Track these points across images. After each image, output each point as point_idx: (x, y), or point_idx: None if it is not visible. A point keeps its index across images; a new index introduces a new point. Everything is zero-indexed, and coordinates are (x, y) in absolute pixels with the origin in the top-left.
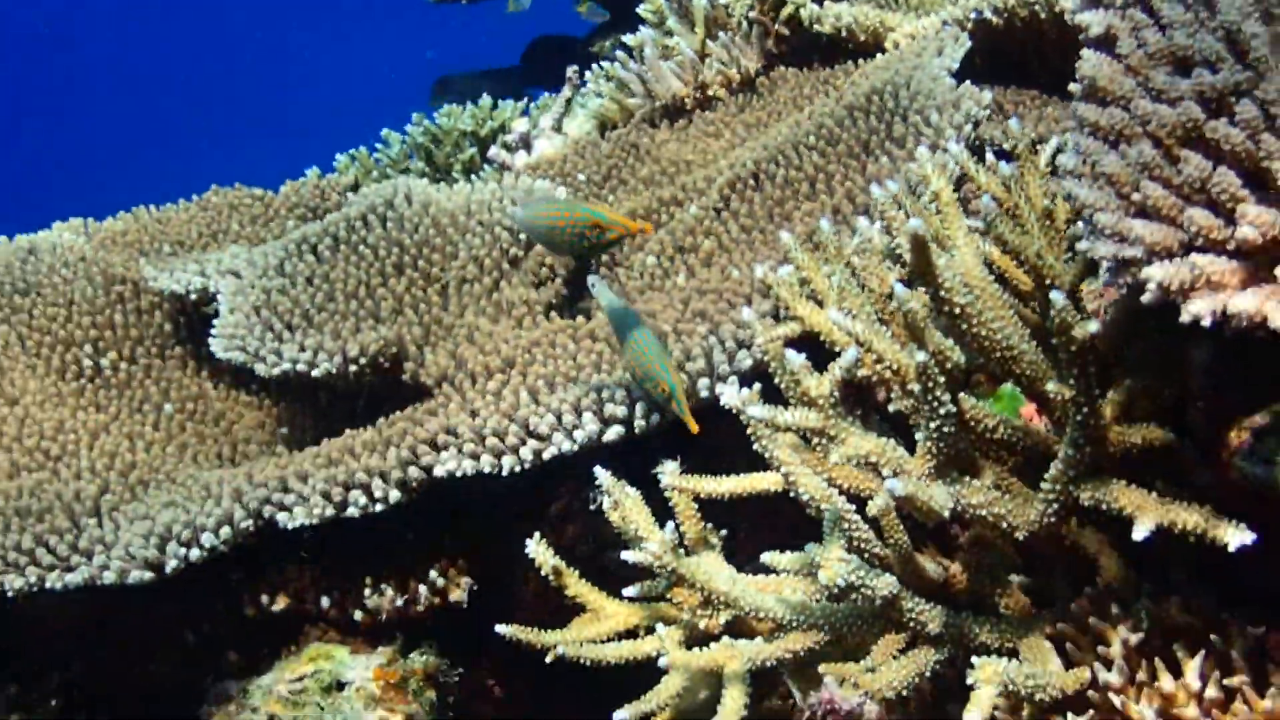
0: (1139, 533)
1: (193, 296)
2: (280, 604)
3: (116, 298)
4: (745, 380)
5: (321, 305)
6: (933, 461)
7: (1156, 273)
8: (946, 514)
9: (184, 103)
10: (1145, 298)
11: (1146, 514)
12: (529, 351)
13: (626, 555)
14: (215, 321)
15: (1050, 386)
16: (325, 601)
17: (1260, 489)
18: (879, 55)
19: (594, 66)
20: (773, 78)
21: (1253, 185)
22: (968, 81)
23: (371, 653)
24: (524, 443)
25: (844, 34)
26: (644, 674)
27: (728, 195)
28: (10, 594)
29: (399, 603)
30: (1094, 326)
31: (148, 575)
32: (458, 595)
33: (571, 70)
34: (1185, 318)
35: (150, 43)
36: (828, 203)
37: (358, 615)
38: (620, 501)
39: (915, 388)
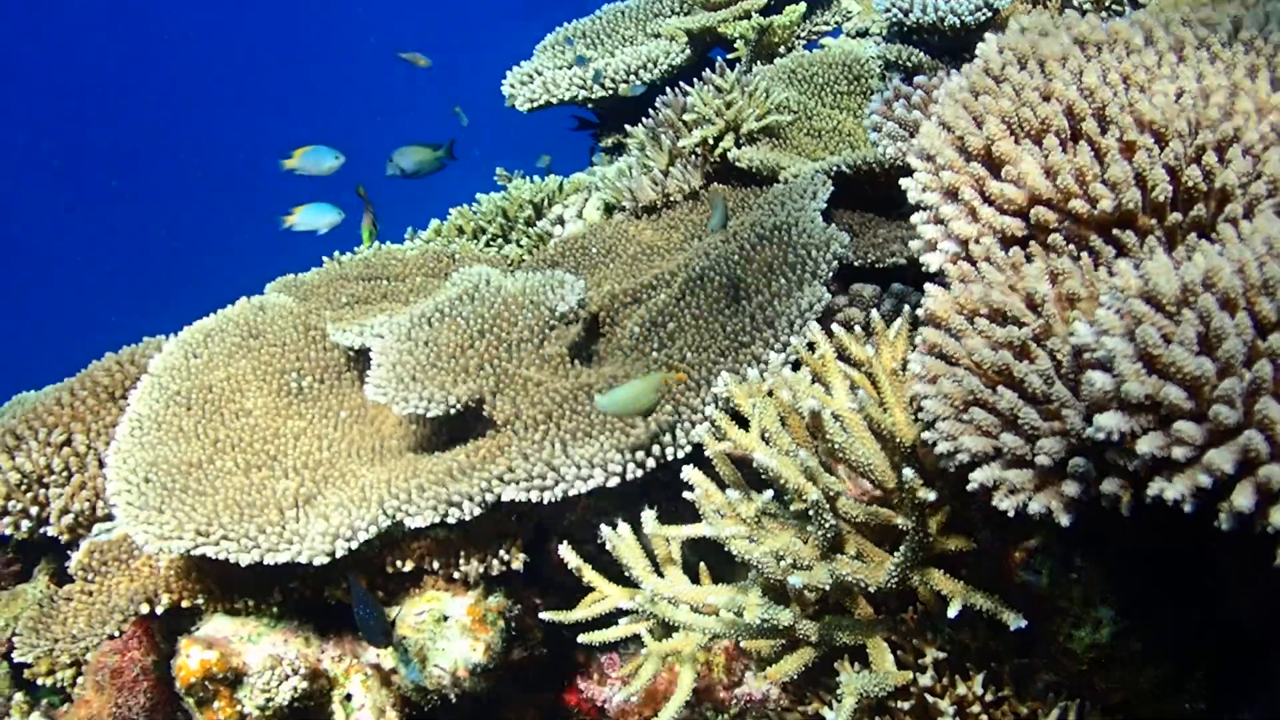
0: (951, 611)
1: (355, 348)
2: (408, 566)
3: (312, 339)
4: (697, 450)
5: (433, 362)
6: (819, 551)
7: (979, 475)
8: (826, 588)
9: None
10: (969, 487)
11: (957, 597)
12: (560, 407)
13: (623, 604)
14: (369, 372)
15: (899, 521)
16: (435, 564)
17: (1032, 590)
18: (775, 184)
19: (601, 170)
20: (711, 190)
21: (1047, 416)
22: (833, 225)
23: (465, 596)
24: (556, 484)
25: (753, 168)
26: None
27: (684, 291)
28: (243, 565)
29: (480, 569)
30: (932, 496)
31: (325, 559)
32: (517, 564)
33: (590, 178)
34: (995, 504)
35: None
36: (747, 308)
37: (455, 575)
38: (616, 546)
39: (811, 511)
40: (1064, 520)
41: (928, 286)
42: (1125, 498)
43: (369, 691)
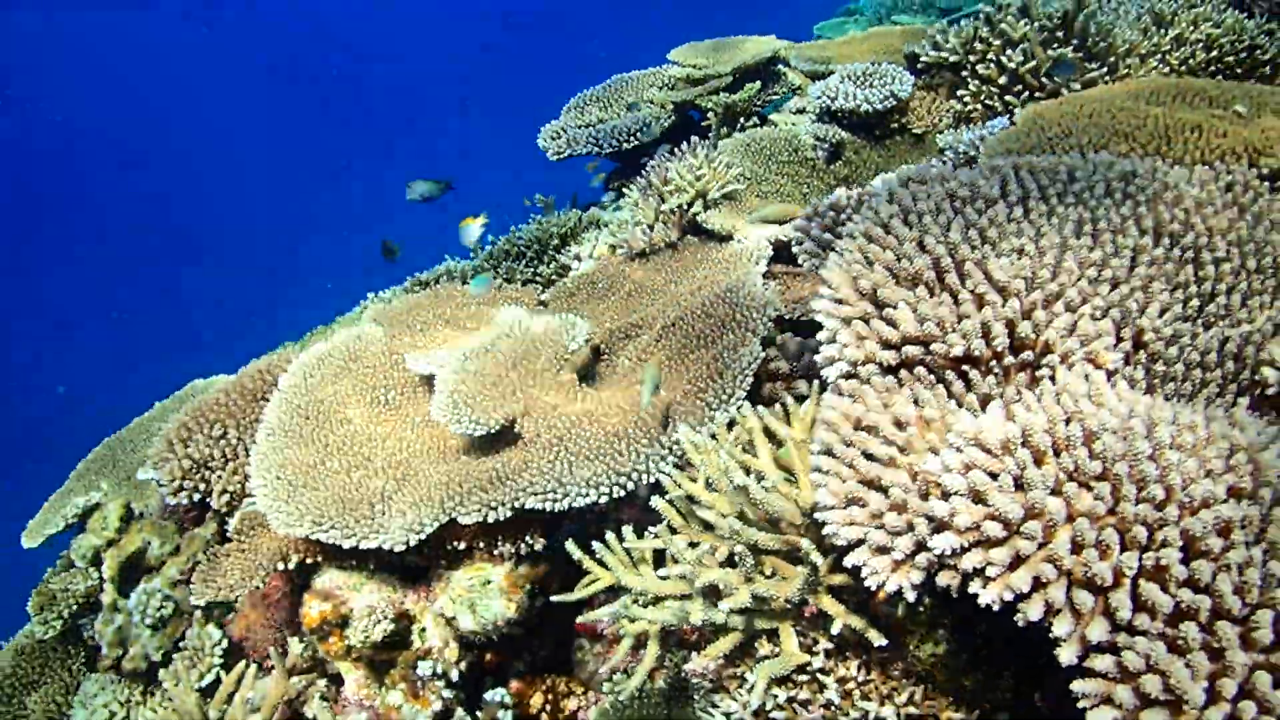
0: (833, 629)
1: (424, 373)
2: (461, 545)
3: (394, 361)
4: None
5: (479, 390)
6: (744, 577)
7: (852, 558)
8: (749, 605)
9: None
10: (845, 563)
11: (838, 618)
12: (569, 430)
13: (605, 607)
14: (433, 397)
15: (798, 569)
16: (481, 544)
17: (889, 620)
18: (732, 241)
19: (607, 217)
20: (685, 241)
21: (900, 512)
22: (771, 285)
23: (502, 566)
24: (564, 497)
25: (715, 228)
26: None
27: (661, 335)
28: (346, 547)
29: (512, 549)
30: (821, 560)
31: (402, 546)
32: (539, 546)
33: (600, 213)
34: (862, 578)
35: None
36: (705, 356)
37: (495, 551)
38: (604, 554)
39: (736, 559)
40: (910, 597)
41: (826, 396)
42: (954, 586)
43: (437, 627)
